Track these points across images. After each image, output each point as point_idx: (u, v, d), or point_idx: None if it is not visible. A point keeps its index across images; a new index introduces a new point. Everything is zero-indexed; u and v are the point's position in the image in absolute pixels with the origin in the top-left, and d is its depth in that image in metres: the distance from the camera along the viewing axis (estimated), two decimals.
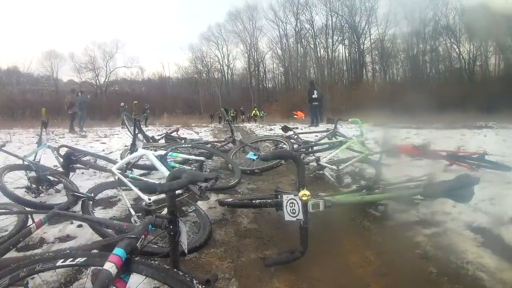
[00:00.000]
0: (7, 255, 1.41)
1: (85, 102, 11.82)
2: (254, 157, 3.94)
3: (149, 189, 1.87)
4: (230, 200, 2.44)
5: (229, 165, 3.65)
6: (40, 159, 3.30)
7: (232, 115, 18.12)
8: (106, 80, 31.25)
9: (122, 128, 14.57)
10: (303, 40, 40.47)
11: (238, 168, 3.40)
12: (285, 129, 5.53)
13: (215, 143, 4.80)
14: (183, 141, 4.77)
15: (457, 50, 31.53)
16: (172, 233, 1.28)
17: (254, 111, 24.45)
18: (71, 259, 1.12)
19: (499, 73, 24.24)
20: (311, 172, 3.46)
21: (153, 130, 10.35)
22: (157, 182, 2.08)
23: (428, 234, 2.19)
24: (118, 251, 1.05)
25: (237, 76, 40.41)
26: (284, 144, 4.18)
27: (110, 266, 1.01)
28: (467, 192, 2.03)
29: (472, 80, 25.60)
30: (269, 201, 1.96)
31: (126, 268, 1.06)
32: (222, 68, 36.01)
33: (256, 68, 40.42)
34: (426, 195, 2.24)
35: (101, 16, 45.78)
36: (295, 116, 16.33)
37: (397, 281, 1.63)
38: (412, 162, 3.90)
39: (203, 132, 10.16)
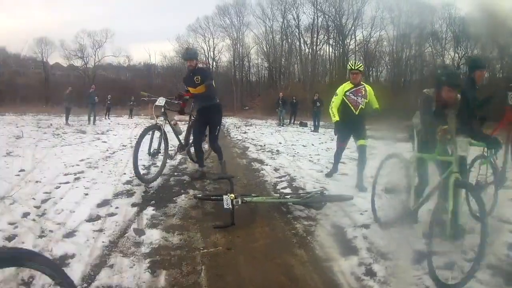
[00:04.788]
0: None
1: (92, 97, 13.49)
2: None
3: None
4: (200, 195, 4.27)
5: None
6: None
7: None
8: (93, 65, 32.25)
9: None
10: (289, 38, 41.80)
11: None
12: None
13: None
14: None
15: (441, 57, 32.29)
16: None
17: None
18: None
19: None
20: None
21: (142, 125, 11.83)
22: None
23: (305, 224, 3.66)
24: None
25: (221, 68, 41.68)
26: None
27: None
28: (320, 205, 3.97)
29: None
30: (218, 197, 3.76)
31: None
32: (207, 60, 37.24)
33: (241, 62, 41.62)
34: (305, 203, 4.08)
35: (92, 5, 46.02)
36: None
37: (274, 241, 3.37)
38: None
39: None
